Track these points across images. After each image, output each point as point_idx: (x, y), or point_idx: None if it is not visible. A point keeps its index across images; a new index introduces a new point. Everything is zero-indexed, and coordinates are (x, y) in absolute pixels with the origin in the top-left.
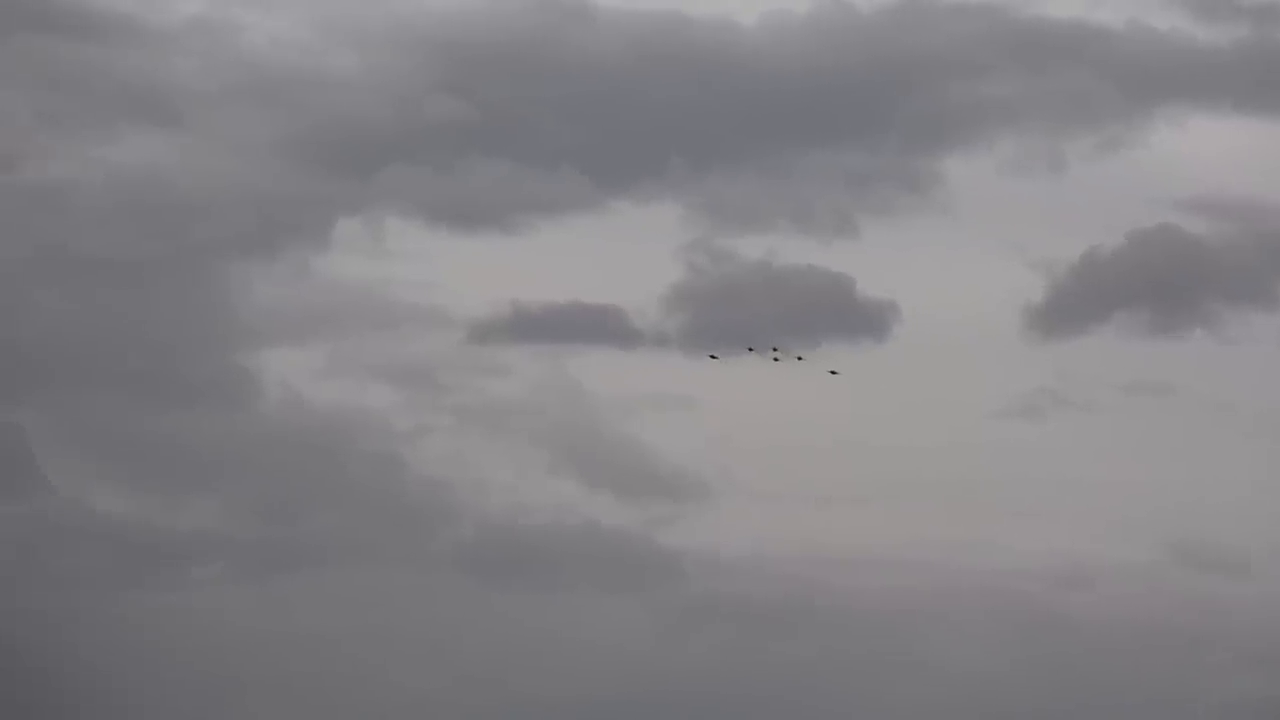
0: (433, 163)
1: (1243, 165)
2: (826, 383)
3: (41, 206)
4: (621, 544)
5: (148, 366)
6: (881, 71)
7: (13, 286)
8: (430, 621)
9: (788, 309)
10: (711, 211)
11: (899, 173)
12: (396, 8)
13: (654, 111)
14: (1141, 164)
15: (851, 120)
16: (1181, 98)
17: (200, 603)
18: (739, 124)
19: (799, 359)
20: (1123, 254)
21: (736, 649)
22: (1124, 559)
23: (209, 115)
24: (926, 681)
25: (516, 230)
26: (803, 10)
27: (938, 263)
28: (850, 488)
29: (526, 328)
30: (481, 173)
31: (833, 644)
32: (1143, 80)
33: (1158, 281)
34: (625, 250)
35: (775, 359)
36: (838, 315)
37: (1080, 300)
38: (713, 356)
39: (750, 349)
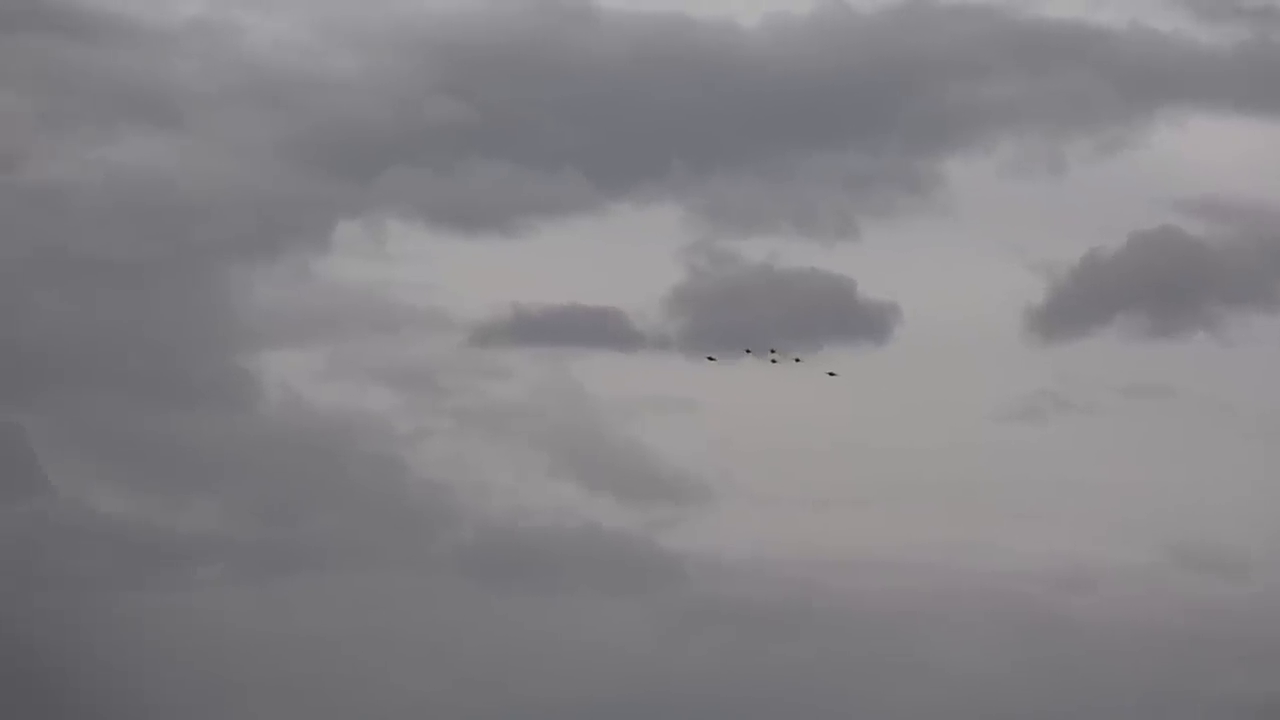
0: (433, 165)
1: (1244, 167)
2: (827, 385)
3: (41, 207)
4: (622, 546)
5: (148, 368)
6: (882, 73)
7: (13, 287)
8: (431, 624)
9: (789, 311)
10: (713, 214)
11: (900, 174)
12: (397, 9)
13: (655, 113)
14: (1142, 166)
15: (852, 122)
16: (1183, 99)
17: (200, 604)
18: (740, 126)
19: (796, 361)
20: (1124, 256)
21: (737, 651)
22: (1125, 561)
23: (209, 117)
24: (927, 683)
25: (517, 232)
26: (804, 12)
27: (939, 265)
28: (851, 490)
29: (527, 330)
30: (482, 175)
31: (833, 646)
32: (1144, 82)
33: (1159, 283)
34: (626, 252)
35: (773, 361)
36: (838, 317)
37: (1081, 302)
38: (710, 358)
39: (748, 351)
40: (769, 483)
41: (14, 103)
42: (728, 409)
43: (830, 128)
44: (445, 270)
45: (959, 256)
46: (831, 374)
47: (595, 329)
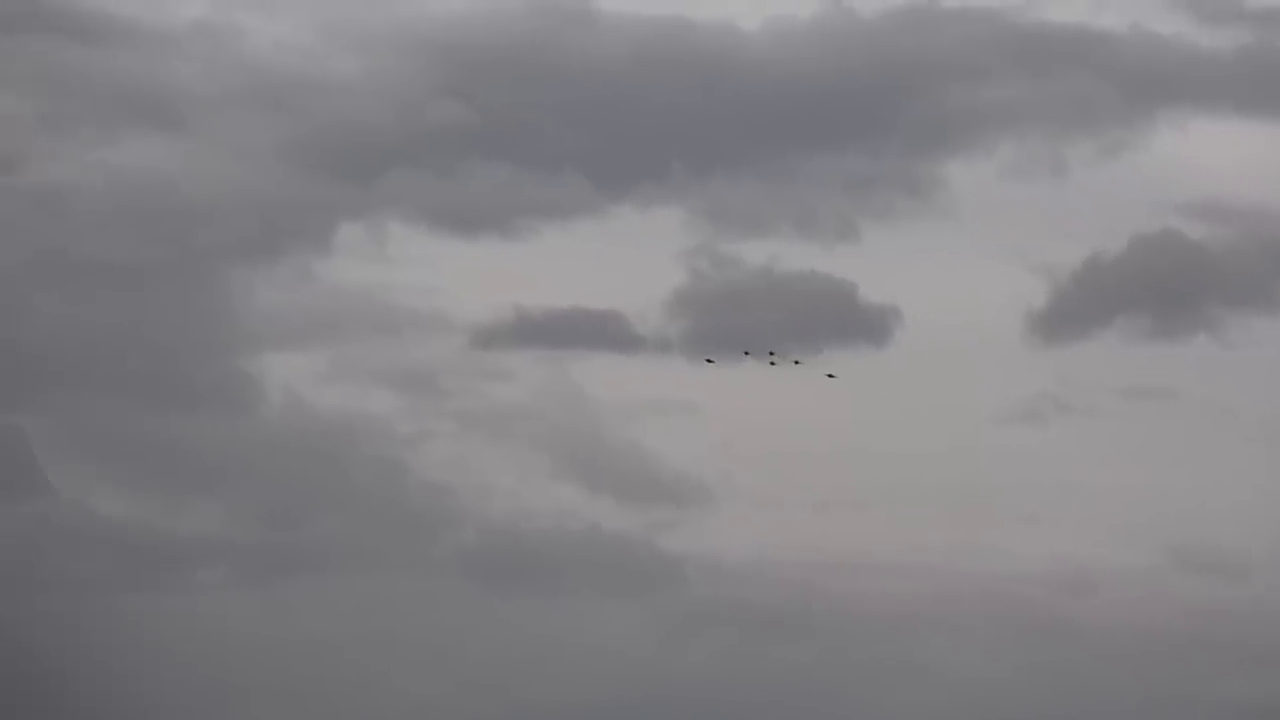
0: (435, 167)
1: (1245, 170)
2: (829, 388)
3: (43, 210)
4: (623, 549)
5: (150, 370)
6: (883, 76)
7: (14, 289)
8: (432, 626)
9: (790, 314)
10: (713, 216)
11: (901, 177)
12: (398, 12)
13: (656, 116)
14: (1144, 168)
15: (853, 125)
16: (1184, 102)
17: (202, 607)
18: (741, 128)
19: (795, 363)
20: (1125, 258)
21: (738, 653)
22: (1126, 564)
23: (211, 119)
24: (928, 686)
25: (518, 235)
26: (805, 15)
27: (939, 267)
28: (852, 493)
29: (528, 333)
30: (483, 177)
31: (834, 649)
32: (1145, 84)
33: (1160, 286)
34: (627, 255)
35: (772, 362)
36: (839, 320)
37: (1082, 305)
38: (709, 360)
39: (746, 353)
40: (770, 485)
41: (15, 105)
42: (729, 412)
43: (831, 130)
44: (447, 272)
45: (960, 259)
46: (830, 375)
47: (596, 331)
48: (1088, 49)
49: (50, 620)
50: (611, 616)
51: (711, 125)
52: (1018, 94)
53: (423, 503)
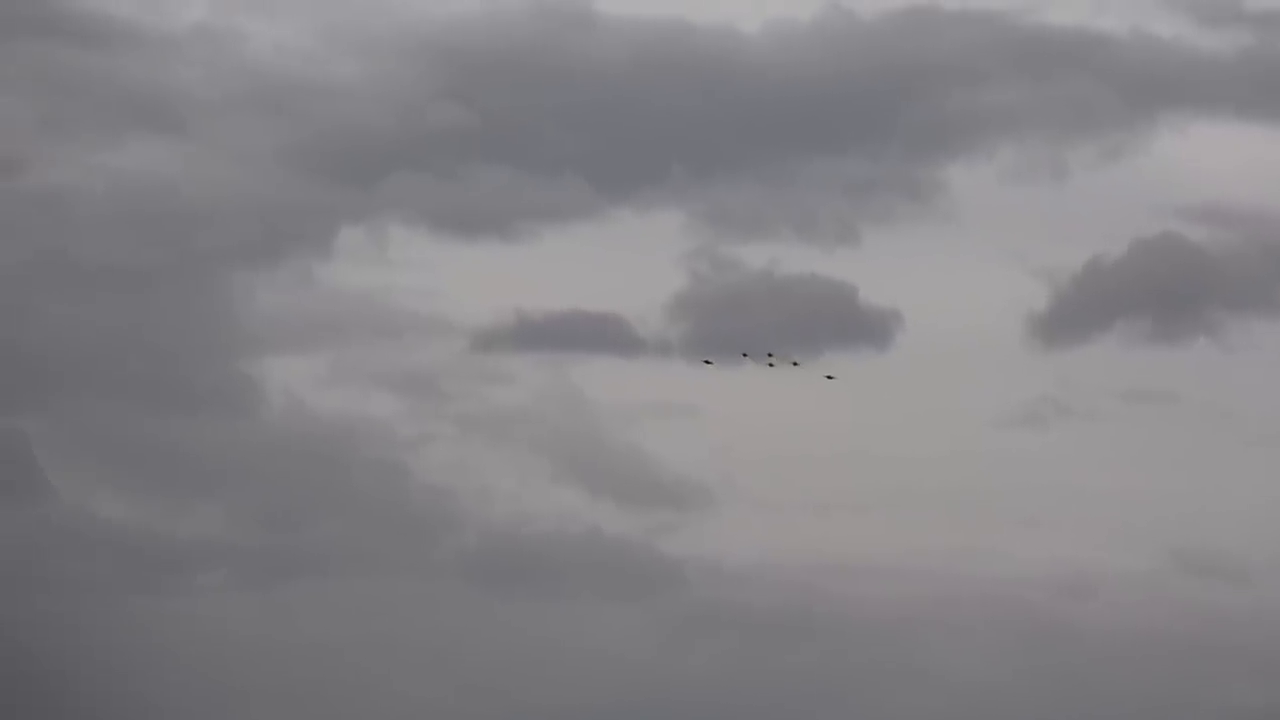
0: (435, 170)
1: (1246, 173)
2: (829, 392)
3: (44, 213)
4: (624, 552)
5: (151, 373)
6: (884, 79)
7: (15, 292)
8: (433, 629)
9: (790, 317)
10: (714, 220)
11: (901, 181)
12: (399, 16)
13: (656, 119)
14: (1144, 172)
15: (854, 128)
16: (1184, 105)
17: (203, 610)
18: (741, 132)
19: (794, 364)
20: (1125, 262)
21: (738, 657)
22: (1126, 567)
23: (212, 123)
24: (928, 689)
25: (519, 238)
26: (805, 17)
27: (940, 271)
28: (852, 496)
29: (529, 336)
30: (484, 180)
31: (834, 652)
32: (1145, 88)
33: (1160, 290)
34: (627, 258)
35: (770, 364)
36: (840, 324)
37: (1083, 309)
38: (707, 362)
39: (744, 355)
40: (770, 488)
41: (16, 108)
42: (729, 415)
43: (831, 133)
44: (447, 276)
45: (960, 263)
46: (829, 377)
47: (597, 334)
48: (1088, 52)
49: (51, 622)
50: (612, 619)
51: (712, 128)
52: (1018, 97)
53: (423, 506)
